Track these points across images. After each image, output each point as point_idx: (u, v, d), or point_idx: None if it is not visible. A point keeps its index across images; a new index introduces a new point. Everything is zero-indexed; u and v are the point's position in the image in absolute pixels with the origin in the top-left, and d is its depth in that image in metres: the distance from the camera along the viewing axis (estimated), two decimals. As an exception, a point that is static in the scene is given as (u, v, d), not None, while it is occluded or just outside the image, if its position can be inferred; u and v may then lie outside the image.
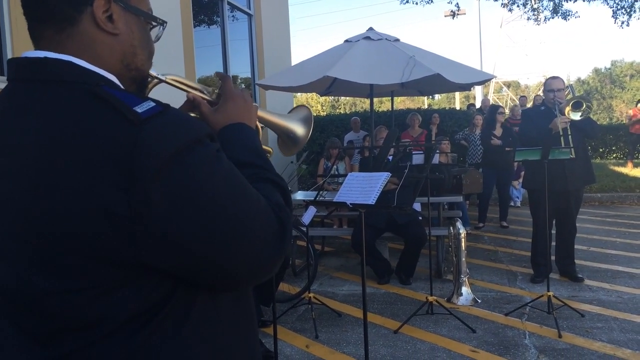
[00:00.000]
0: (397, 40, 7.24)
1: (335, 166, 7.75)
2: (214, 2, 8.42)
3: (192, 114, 1.09)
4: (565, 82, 5.35)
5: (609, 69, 48.53)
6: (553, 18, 14.57)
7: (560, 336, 3.91)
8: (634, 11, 13.01)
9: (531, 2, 14.76)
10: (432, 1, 14.43)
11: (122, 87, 0.94)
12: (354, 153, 8.44)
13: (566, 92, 5.19)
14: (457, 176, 6.67)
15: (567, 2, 14.11)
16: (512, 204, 9.44)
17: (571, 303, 4.44)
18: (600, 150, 17.54)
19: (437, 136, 9.01)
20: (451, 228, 4.95)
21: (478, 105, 15.52)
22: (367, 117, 9.23)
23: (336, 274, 5.90)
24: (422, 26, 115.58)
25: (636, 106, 13.81)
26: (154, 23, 1.03)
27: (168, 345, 0.84)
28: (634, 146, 14.08)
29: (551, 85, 5.14)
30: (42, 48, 0.90)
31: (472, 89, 12.47)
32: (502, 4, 15.20)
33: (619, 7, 13.09)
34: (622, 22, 13.27)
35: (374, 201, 3.06)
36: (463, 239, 4.83)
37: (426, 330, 4.16)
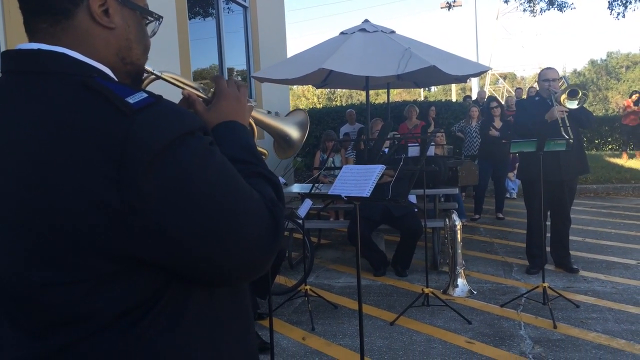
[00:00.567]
0: (393, 32, 7.22)
1: (331, 159, 7.75)
2: (208, -6, 8.37)
3: None
4: (560, 73, 5.36)
5: (605, 60, 48.54)
6: (549, 9, 14.60)
7: (555, 327, 3.93)
8: (630, 2, 12.99)
9: (527, -7, 14.75)
10: (427, -7, 14.37)
11: (116, 79, 0.93)
12: (348, 146, 8.44)
13: (560, 83, 5.19)
14: (453, 168, 6.68)
15: (562, -7, 14.09)
16: (507, 195, 9.45)
17: (566, 294, 4.47)
18: (596, 141, 17.58)
19: (433, 128, 9.01)
20: (447, 220, 4.96)
21: (474, 97, 15.51)
22: (364, 109, 9.21)
23: (332, 267, 5.91)
24: (418, 18, 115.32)
25: (630, 97, 13.83)
26: (150, 18, 1.03)
27: (163, 339, 0.84)
28: (628, 137, 14.13)
29: (546, 75, 5.15)
30: (36, 41, 0.90)
31: (468, 80, 12.46)
32: (498, -5, 15.16)
33: (615, -2, 13.10)
34: (618, 14, 13.28)
35: (369, 194, 3.06)
36: (459, 231, 4.85)
37: (422, 322, 4.18)
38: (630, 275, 5.12)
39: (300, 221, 4.79)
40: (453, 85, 29.65)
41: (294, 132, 1.31)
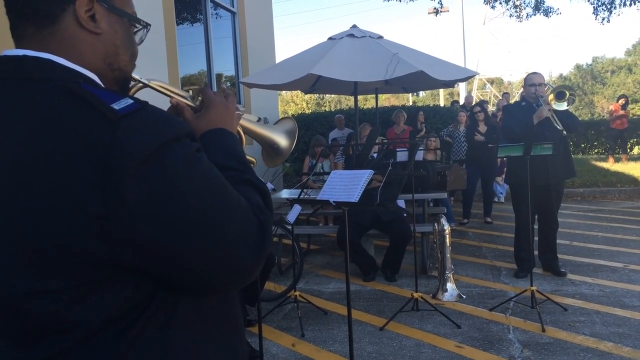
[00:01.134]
0: (381, 37, 7.25)
1: (320, 164, 7.75)
2: (196, 0, 8.36)
3: None
4: (547, 78, 5.41)
5: (591, 65, 49.12)
6: (535, 15, 14.68)
7: (543, 330, 3.95)
8: (614, 7, 13.14)
9: (513, -1, 14.87)
10: (415, -2, 14.47)
11: (102, 85, 0.93)
12: (337, 151, 8.45)
13: (546, 89, 5.24)
14: (442, 173, 6.71)
15: (548, -1, 14.25)
16: (495, 199, 9.51)
17: (554, 297, 4.49)
18: (582, 145, 17.73)
19: (426, 134, 9.04)
20: (436, 224, 4.97)
21: (462, 102, 15.61)
22: (352, 114, 9.24)
23: (322, 272, 5.91)
24: (405, 23, 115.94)
25: (617, 102, 13.99)
26: (138, 26, 1.03)
27: (152, 349, 0.83)
28: (615, 141, 14.27)
29: (532, 80, 5.20)
30: (23, 47, 0.90)
31: (456, 85, 12.54)
32: (484, 1, 15.29)
33: (599, 3, 13.20)
34: (603, 19, 13.40)
35: (357, 199, 3.06)
36: (447, 235, 4.86)
37: (412, 326, 4.18)
38: (617, 278, 5.16)
39: (290, 227, 4.79)
40: (441, 90, 29.85)
41: (282, 141, 1.32)
